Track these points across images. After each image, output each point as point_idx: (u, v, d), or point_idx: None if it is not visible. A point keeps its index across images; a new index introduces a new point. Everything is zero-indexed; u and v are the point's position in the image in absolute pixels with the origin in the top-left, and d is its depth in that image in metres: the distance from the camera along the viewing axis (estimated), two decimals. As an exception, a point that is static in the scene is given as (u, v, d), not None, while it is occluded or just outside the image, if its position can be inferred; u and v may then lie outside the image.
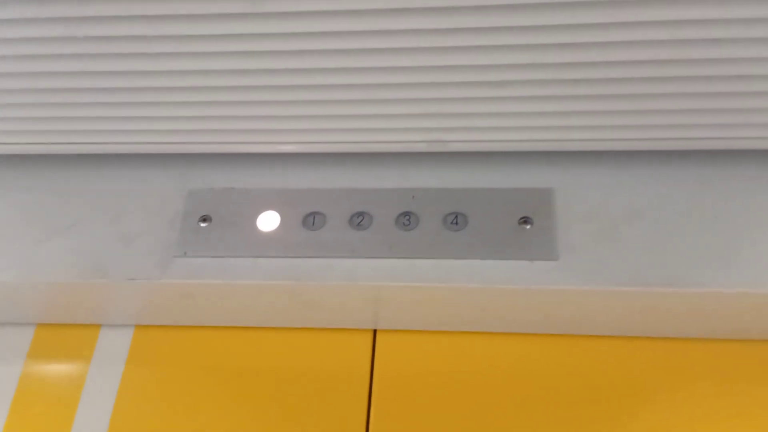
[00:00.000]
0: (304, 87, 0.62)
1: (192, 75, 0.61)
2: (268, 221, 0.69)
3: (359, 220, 0.69)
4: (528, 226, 0.66)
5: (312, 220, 0.69)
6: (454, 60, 0.59)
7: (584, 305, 0.67)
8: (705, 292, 0.63)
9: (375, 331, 0.75)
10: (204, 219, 0.70)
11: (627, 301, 0.65)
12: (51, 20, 0.58)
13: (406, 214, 0.68)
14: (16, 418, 0.74)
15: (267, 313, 0.74)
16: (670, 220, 0.66)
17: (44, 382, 0.76)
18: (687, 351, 0.70)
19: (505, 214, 0.67)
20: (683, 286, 0.63)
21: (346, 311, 0.72)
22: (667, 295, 0.64)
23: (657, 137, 0.64)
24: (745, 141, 0.65)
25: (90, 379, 0.75)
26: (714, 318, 0.68)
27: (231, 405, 0.72)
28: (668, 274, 0.63)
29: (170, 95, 0.63)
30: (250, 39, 0.58)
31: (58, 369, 0.76)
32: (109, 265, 0.69)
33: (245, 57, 0.59)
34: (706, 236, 0.65)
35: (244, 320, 0.76)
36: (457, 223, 0.67)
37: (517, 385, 0.71)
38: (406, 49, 0.58)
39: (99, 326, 0.78)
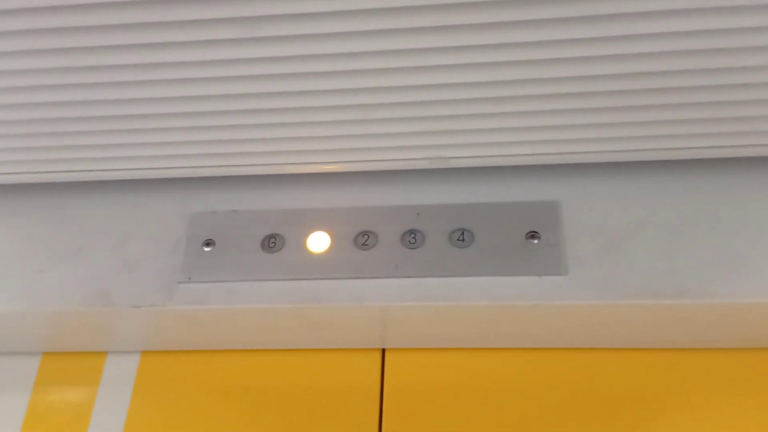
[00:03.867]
0: (303, 109, 0.61)
1: (190, 100, 0.61)
2: (272, 243, 0.69)
3: (364, 239, 0.68)
4: (535, 241, 0.65)
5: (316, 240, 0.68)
6: (454, 77, 0.58)
7: (594, 319, 0.66)
8: (716, 303, 0.62)
9: (383, 351, 0.74)
10: (207, 243, 0.70)
11: (637, 314, 0.64)
12: (47, 51, 0.57)
13: (412, 232, 0.68)
14: (25, 447, 0.73)
15: (274, 335, 0.73)
16: (679, 231, 0.65)
17: (52, 411, 0.75)
18: (699, 362, 0.70)
19: (512, 229, 0.66)
20: (694, 298, 0.62)
21: (353, 332, 0.71)
22: (678, 307, 0.63)
23: (662, 147, 0.64)
24: (753, 149, 0.63)
25: (98, 406, 0.74)
26: (726, 328, 0.67)
27: (241, 429, 0.71)
28: (678, 285, 0.63)
29: (169, 121, 0.63)
30: (248, 63, 0.57)
31: (65, 397, 0.76)
32: (113, 292, 0.68)
33: (243, 81, 0.59)
34: (715, 246, 0.64)
35: (251, 343, 0.75)
36: (463, 240, 0.66)
37: (528, 400, 0.70)
38: (405, 68, 0.57)
39: (105, 353, 0.78)
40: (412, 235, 0.67)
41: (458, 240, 0.67)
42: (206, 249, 0.69)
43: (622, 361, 0.71)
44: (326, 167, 0.68)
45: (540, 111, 0.60)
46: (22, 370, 0.78)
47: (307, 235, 0.69)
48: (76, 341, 0.76)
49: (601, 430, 0.68)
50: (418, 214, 0.68)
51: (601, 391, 0.69)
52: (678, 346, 0.70)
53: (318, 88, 0.59)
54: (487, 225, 0.67)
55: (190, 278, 0.68)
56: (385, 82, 0.58)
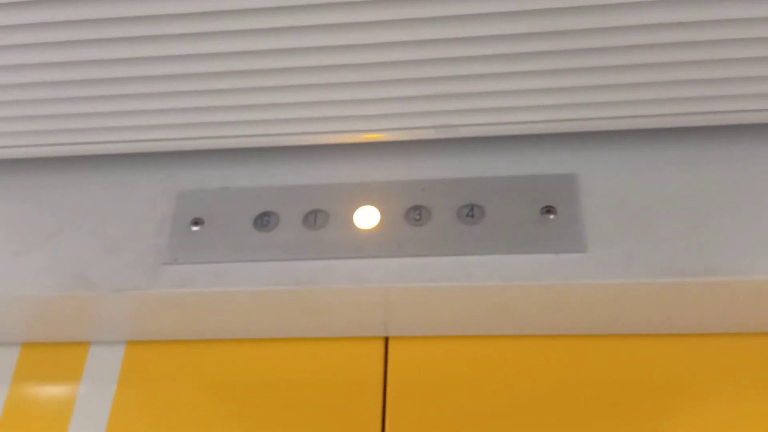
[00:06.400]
0: (297, 69, 0.57)
1: (175, 61, 0.57)
2: (266, 222, 0.65)
3: (365, 216, 0.64)
4: (551, 216, 0.62)
5: (314, 218, 0.65)
6: (460, 32, 0.54)
7: (615, 300, 0.62)
8: (746, 281, 0.59)
9: (387, 339, 0.71)
10: (195, 222, 0.66)
11: (662, 293, 0.61)
12: (13, 4, 0.53)
13: (416, 208, 0.64)
14: (3, 444, 0.71)
15: (269, 322, 0.70)
16: (706, 204, 0.61)
17: (32, 405, 0.72)
18: (727, 348, 0.66)
19: (526, 204, 0.63)
20: (724, 275, 0.59)
21: (354, 317, 0.68)
22: (706, 285, 0.59)
23: (688, 111, 0.60)
24: (787, 113, 0.60)
25: (80, 400, 0.72)
26: (758, 308, 0.63)
27: (235, 424, 0.69)
28: (706, 262, 0.59)
29: (153, 85, 0.59)
30: (238, 16, 0.53)
31: (46, 391, 0.73)
32: (94, 275, 0.65)
33: (233, 37, 0.55)
34: (745, 219, 0.60)
35: (244, 332, 0.72)
36: (472, 216, 0.63)
37: (542, 392, 0.66)
38: (407, 21, 0.53)
39: (88, 344, 0.75)
40: (417, 212, 0.64)
41: (467, 216, 0.63)
42: (194, 228, 0.66)
43: (643, 348, 0.67)
44: (322, 138, 0.64)
45: (556, 70, 0.57)
46: (0, 361, 0.75)
47: (303, 213, 0.65)
48: (56, 330, 0.73)
49: (619, 424, 0.64)
50: (423, 189, 0.65)
51: (621, 382, 0.66)
52: (706, 330, 0.66)
53: (312, 45, 0.55)
54: (498, 200, 0.64)
55: (176, 259, 0.65)
56: (384, 38, 0.55)
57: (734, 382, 0.65)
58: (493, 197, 0.63)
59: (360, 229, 0.64)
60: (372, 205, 0.65)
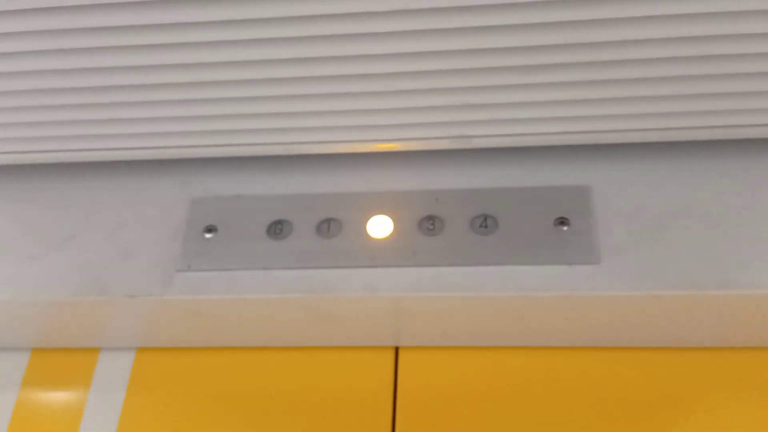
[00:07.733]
0: (313, 79, 0.57)
1: (191, 68, 0.57)
2: (279, 230, 0.65)
3: (378, 225, 0.64)
4: (565, 228, 0.62)
5: (327, 227, 0.65)
6: (475, 43, 0.54)
7: (628, 312, 0.62)
8: (761, 294, 0.58)
9: (397, 349, 0.71)
10: (209, 229, 0.66)
11: (676, 306, 0.60)
12: (36, 11, 0.53)
13: (430, 218, 0.64)
14: (11, 450, 0.70)
15: (280, 331, 0.69)
16: (721, 216, 0.61)
17: (40, 411, 0.72)
18: (742, 362, 0.66)
19: (539, 215, 0.63)
20: (737, 288, 0.58)
21: (365, 327, 0.68)
22: (720, 298, 0.59)
23: (703, 125, 0.60)
24: (802, 127, 0.60)
25: (89, 407, 0.71)
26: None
27: None
28: (721, 275, 0.59)
29: (168, 93, 0.59)
30: (253, 25, 0.53)
31: (55, 397, 0.73)
32: (108, 281, 0.65)
33: (248, 46, 0.55)
34: (760, 232, 0.60)
35: (255, 340, 0.71)
36: (486, 227, 0.63)
37: (554, 404, 0.66)
38: (422, 32, 0.53)
39: (98, 350, 0.75)
40: (430, 222, 0.64)
41: (480, 227, 0.63)
42: (207, 235, 0.66)
43: (656, 361, 0.67)
44: (336, 147, 0.64)
45: (571, 82, 0.56)
46: (10, 366, 0.75)
47: (316, 221, 0.65)
48: (67, 336, 0.73)
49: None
50: (437, 199, 0.65)
51: (634, 395, 0.65)
52: (720, 344, 0.66)
53: (327, 54, 0.55)
54: (512, 211, 0.63)
55: (189, 266, 0.65)
56: (400, 48, 0.55)
57: (750, 397, 0.64)
58: (506, 208, 0.63)
59: (373, 239, 0.64)
60: (385, 214, 0.65)
